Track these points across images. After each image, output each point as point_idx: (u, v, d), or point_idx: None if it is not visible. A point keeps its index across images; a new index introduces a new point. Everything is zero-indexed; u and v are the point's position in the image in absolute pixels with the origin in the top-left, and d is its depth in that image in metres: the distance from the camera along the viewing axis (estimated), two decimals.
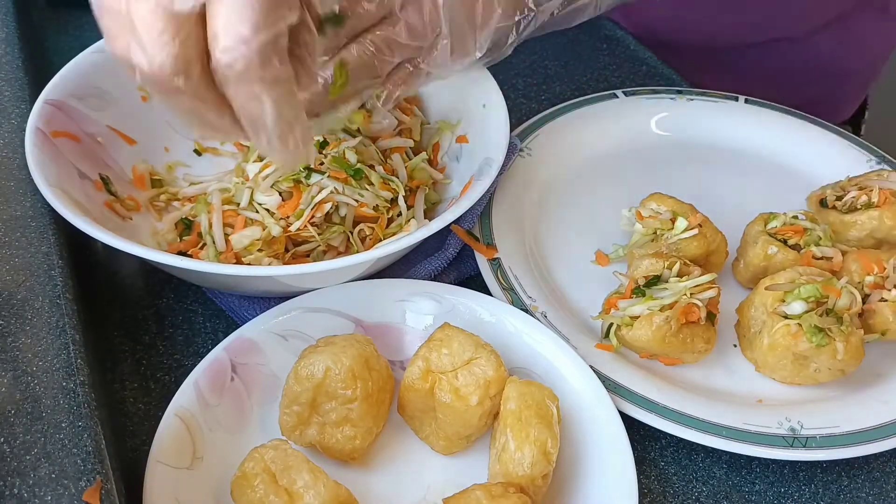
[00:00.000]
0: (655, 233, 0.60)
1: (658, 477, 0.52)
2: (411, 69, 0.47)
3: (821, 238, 0.59)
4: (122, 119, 0.62)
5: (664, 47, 0.85)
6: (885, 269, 0.57)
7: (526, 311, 0.55)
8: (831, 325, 0.53)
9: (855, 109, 0.97)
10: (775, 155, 0.73)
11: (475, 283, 0.58)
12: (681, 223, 0.59)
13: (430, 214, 0.60)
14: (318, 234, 0.55)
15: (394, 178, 0.59)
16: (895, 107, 1.13)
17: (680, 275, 0.56)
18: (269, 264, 0.54)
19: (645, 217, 0.61)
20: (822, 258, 0.59)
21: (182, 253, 0.57)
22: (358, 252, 0.55)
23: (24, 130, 0.55)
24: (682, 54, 0.85)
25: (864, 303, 0.56)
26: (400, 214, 0.58)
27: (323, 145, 0.59)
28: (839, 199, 0.64)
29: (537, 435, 0.45)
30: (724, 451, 0.52)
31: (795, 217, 0.60)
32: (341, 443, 0.48)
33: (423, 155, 0.62)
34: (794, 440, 0.51)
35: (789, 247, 0.59)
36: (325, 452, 0.49)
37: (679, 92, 0.76)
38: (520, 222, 0.64)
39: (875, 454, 0.52)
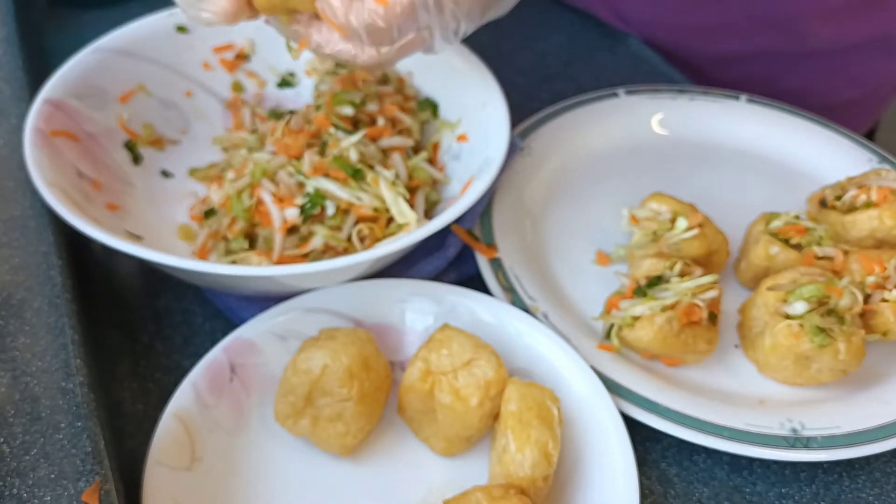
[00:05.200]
0: (655, 233, 0.60)
1: (660, 478, 0.52)
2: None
3: (822, 238, 0.59)
4: (121, 118, 0.62)
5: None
6: (886, 269, 0.56)
7: (527, 311, 0.55)
8: (833, 326, 0.53)
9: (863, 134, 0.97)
10: (777, 154, 0.73)
11: (475, 283, 0.57)
12: (681, 223, 0.59)
13: (430, 214, 0.60)
14: (303, 221, 0.55)
15: (398, 181, 0.58)
16: None
17: (681, 275, 0.56)
18: (259, 264, 0.54)
19: (640, 220, 0.61)
20: (823, 258, 0.58)
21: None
22: (357, 252, 0.55)
23: (23, 130, 0.55)
24: (679, 69, 0.84)
25: (865, 303, 0.55)
26: None
27: (323, 146, 0.59)
28: (838, 198, 0.63)
29: (538, 436, 0.45)
30: (726, 453, 0.52)
31: (797, 217, 0.60)
32: (333, 437, 0.48)
33: (424, 154, 0.62)
34: (795, 441, 0.51)
35: (791, 246, 0.59)
36: (317, 444, 0.49)
37: (680, 91, 0.76)
38: (520, 222, 0.64)
39: (876, 454, 0.52)
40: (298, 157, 0.58)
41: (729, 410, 0.52)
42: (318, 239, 0.55)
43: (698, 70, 0.86)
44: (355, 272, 0.53)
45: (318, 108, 0.62)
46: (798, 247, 0.59)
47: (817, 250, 0.58)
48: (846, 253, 0.59)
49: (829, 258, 0.58)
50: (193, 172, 0.65)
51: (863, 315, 0.55)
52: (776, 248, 0.59)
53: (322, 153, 0.58)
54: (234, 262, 0.56)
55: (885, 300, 0.55)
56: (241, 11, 0.47)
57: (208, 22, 0.48)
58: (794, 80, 0.87)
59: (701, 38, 0.85)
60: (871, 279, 0.56)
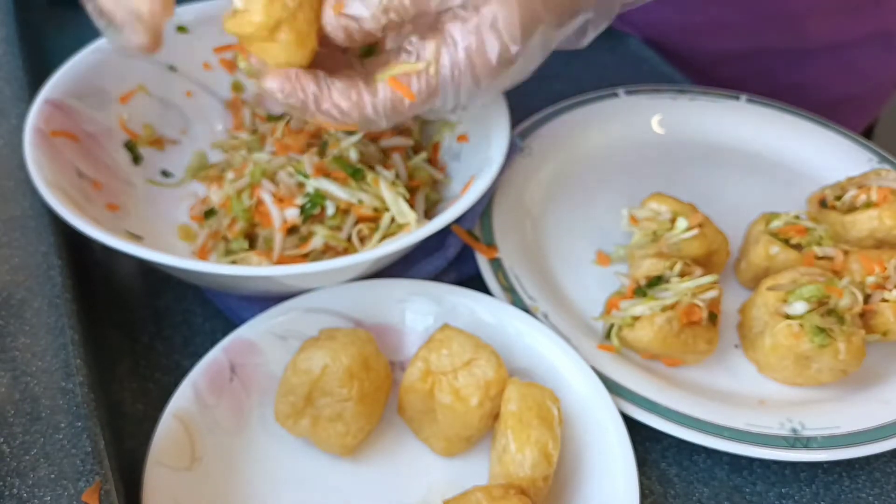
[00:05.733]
0: (655, 233, 0.60)
1: (660, 478, 0.52)
2: None
3: (822, 238, 0.59)
4: (121, 118, 0.62)
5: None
6: (886, 269, 0.56)
7: (527, 311, 0.55)
8: (833, 326, 0.53)
9: (860, 132, 0.97)
10: (777, 154, 0.73)
11: (475, 283, 0.57)
12: (681, 223, 0.59)
13: (430, 214, 0.60)
14: (303, 221, 0.55)
15: (398, 181, 0.58)
16: None
17: (681, 275, 0.56)
18: (259, 264, 0.54)
19: (640, 220, 0.61)
20: (823, 258, 0.58)
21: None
22: (357, 252, 0.55)
23: (24, 130, 0.55)
24: (678, 68, 0.84)
25: (865, 303, 0.55)
26: None
27: (324, 146, 0.59)
28: (838, 198, 0.63)
29: (538, 436, 0.45)
30: (726, 453, 0.52)
31: (797, 217, 0.60)
32: (333, 437, 0.48)
33: (424, 154, 0.62)
34: (795, 441, 0.51)
35: (791, 246, 0.59)
36: (317, 444, 0.49)
37: (680, 91, 0.76)
38: (520, 222, 0.64)
39: (876, 454, 0.52)
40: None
41: (729, 410, 0.52)
42: (318, 239, 0.55)
43: (698, 67, 0.86)
44: (355, 272, 0.53)
45: None
46: (798, 247, 0.59)
47: (817, 250, 0.58)
48: (846, 253, 0.58)
49: (829, 258, 0.58)
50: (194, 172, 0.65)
51: (863, 315, 0.55)
52: (776, 248, 0.59)
53: (322, 153, 0.58)
54: (234, 262, 0.56)
55: (885, 300, 0.55)
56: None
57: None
58: (794, 76, 0.87)
59: (702, 36, 0.85)
60: (870, 279, 0.56)
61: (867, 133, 0.99)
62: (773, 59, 0.86)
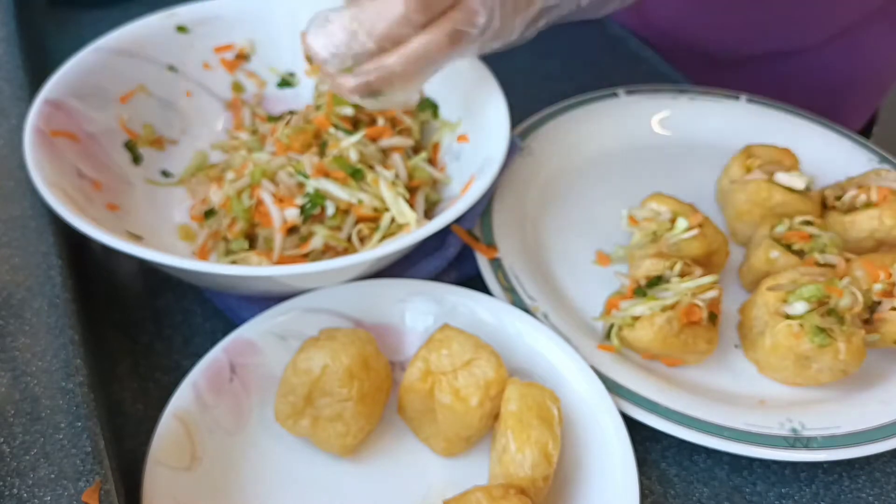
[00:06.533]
0: (655, 233, 0.60)
1: (659, 478, 0.52)
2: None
3: (826, 245, 0.59)
4: (121, 118, 0.62)
5: (668, 55, 0.85)
6: (891, 275, 0.56)
7: (527, 311, 0.55)
8: (833, 326, 0.53)
9: (864, 122, 0.97)
10: None
11: (475, 283, 0.57)
12: (681, 223, 0.59)
13: (430, 214, 0.60)
14: (304, 221, 0.55)
15: (398, 181, 0.58)
16: None
17: (681, 275, 0.56)
18: (259, 264, 0.54)
19: (640, 220, 0.61)
20: (825, 265, 0.58)
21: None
22: (357, 252, 0.55)
23: (23, 130, 0.55)
24: (686, 64, 0.84)
25: (874, 312, 0.55)
26: None
27: (323, 146, 0.59)
28: (838, 198, 0.63)
29: (538, 436, 0.45)
30: (726, 453, 0.52)
31: (808, 223, 0.60)
32: (333, 437, 0.48)
33: (424, 154, 0.62)
34: (795, 441, 0.51)
35: (793, 252, 0.59)
36: (317, 444, 0.49)
37: (680, 91, 0.76)
38: (520, 222, 0.64)
39: (876, 454, 0.52)
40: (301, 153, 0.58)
41: (729, 410, 0.52)
42: (318, 239, 0.55)
43: (701, 54, 0.86)
44: (355, 272, 0.53)
45: (318, 108, 0.62)
46: (800, 252, 0.59)
47: (818, 257, 0.58)
48: (849, 261, 0.58)
49: (831, 265, 0.58)
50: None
51: (871, 323, 0.55)
52: (776, 253, 0.58)
53: (322, 153, 0.58)
54: (234, 262, 0.56)
55: (894, 309, 0.55)
56: None
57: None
58: (799, 62, 0.87)
59: (707, 23, 0.85)
60: (878, 286, 0.55)
61: (869, 125, 0.99)
62: (779, 47, 0.86)
